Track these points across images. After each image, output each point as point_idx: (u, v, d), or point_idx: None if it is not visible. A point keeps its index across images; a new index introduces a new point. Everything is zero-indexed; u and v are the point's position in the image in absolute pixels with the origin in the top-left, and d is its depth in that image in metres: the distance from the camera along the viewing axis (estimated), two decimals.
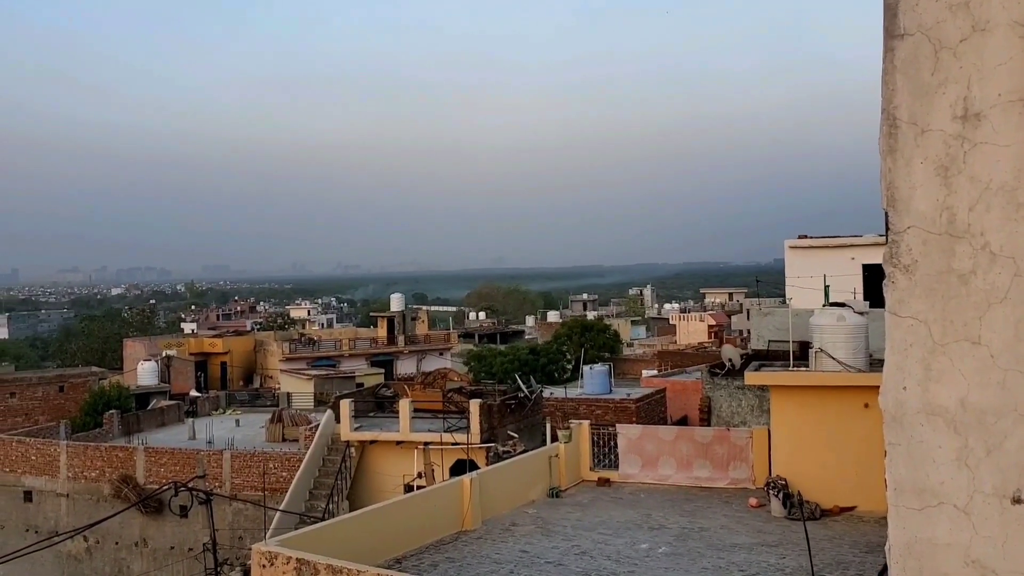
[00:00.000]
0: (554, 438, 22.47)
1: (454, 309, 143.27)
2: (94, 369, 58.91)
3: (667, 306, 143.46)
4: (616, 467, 20.85)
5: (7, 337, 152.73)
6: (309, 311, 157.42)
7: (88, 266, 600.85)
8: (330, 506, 28.89)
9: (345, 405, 30.63)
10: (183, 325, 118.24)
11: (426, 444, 29.11)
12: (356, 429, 30.62)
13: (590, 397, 38.34)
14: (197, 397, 54.95)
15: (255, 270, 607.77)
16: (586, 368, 42.78)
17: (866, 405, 16.59)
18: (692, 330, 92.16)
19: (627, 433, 21.11)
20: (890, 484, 6.82)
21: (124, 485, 36.46)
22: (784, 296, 35.20)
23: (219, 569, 23.08)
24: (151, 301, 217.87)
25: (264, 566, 12.49)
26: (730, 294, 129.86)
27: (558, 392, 40.71)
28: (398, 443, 29.79)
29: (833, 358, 17.42)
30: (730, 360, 28.19)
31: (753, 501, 18.18)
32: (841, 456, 17.19)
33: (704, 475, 20.01)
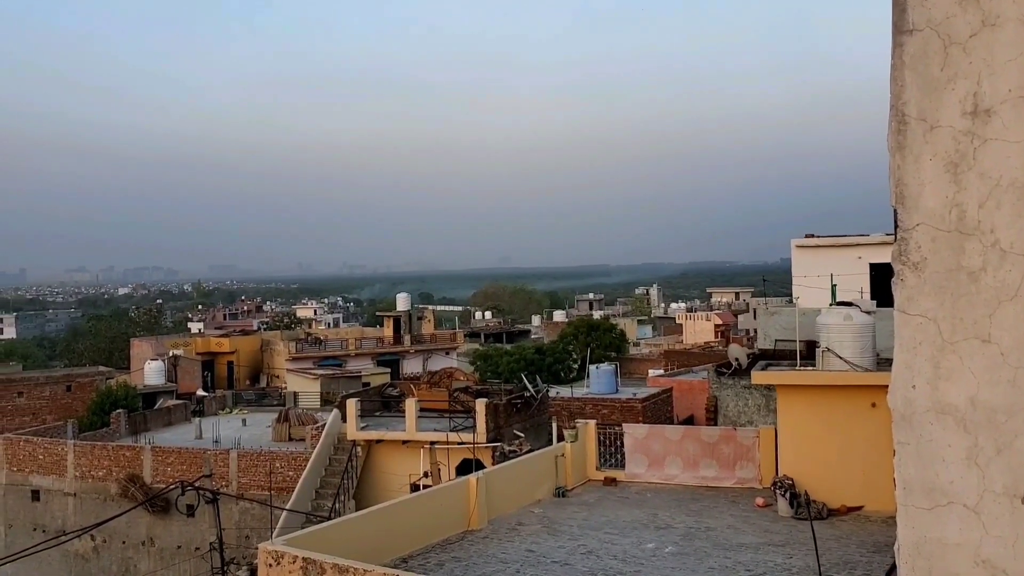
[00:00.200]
0: (560, 438, 22.43)
1: (460, 309, 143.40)
2: (101, 369, 59.16)
3: (673, 305, 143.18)
4: (622, 467, 20.82)
5: (15, 337, 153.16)
6: (315, 311, 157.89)
7: (95, 266, 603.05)
8: (336, 505, 28.89)
9: (351, 404, 30.63)
10: (190, 325, 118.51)
11: (432, 443, 29.09)
12: (362, 428, 30.62)
13: (596, 397, 38.30)
14: (204, 396, 55.05)
15: (262, 270, 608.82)
16: (592, 368, 42.76)
17: (873, 404, 16.53)
18: (698, 329, 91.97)
19: (633, 433, 21.07)
20: (899, 483, 6.76)
21: (131, 484, 36.54)
22: (791, 295, 35.13)
23: (225, 568, 23.10)
24: (158, 301, 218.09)
25: (270, 565, 12.48)
26: (736, 293, 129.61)
27: (564, 392, 40.70)
28: (404, 442, 29.79)
29: (840, 357, 17.37)
30: (737, 359, 28.11)
31: (760, 501, 18.13)
32: (848, 456, 17.13)
33: (711, 475, 19.96)
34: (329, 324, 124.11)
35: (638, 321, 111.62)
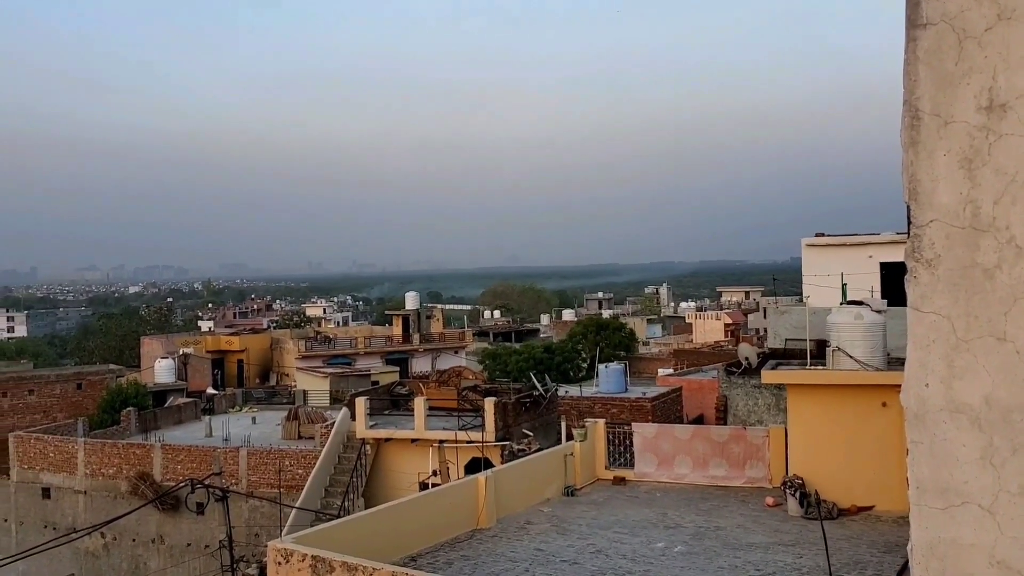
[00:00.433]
0: (569, 437, 22.40)
1: (469, 307, 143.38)
2: (112, 367, 59.36)
3: (683, 304, 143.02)
4: (632, 466, 20.76)
5: (26, 335, 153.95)
6: (325, 309, 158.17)
7: (106, 264, 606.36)
8: (345, 503, 28.93)
9: (360, 403, 30.65)
10: (200, 323, 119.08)
11: (441, 442, 29.09)
12: (371, 427, 30.65)
13: (605, 396, 38.25)
14: (214, 395, 55.17)
15: (271, 268, 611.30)
16: (601, 367, 42.70)
17: (884, 404, 16.44)
18: (708, 329, 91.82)
19: (643, 432, 21.00)
20: (912, 483, 6.69)
21: (141, 482, 36.68)
22: (801, 294, 35.00)
23: (235, 566, 23.14)
24: (168, 299, 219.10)
25: (280, 563, 12.48)
26: (746, 292, 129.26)
27: (573, 391, 40.66)
28: (413, 441, 29.79)
29: (851, 356, 17.25)
30: (747, 359, 27.99)
31: (770, 500, 18.05)
32: (859, 455, 17.03)
33: (720, 474, 19.88)
34: (338, 323, 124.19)
35: (648, 320, 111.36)
